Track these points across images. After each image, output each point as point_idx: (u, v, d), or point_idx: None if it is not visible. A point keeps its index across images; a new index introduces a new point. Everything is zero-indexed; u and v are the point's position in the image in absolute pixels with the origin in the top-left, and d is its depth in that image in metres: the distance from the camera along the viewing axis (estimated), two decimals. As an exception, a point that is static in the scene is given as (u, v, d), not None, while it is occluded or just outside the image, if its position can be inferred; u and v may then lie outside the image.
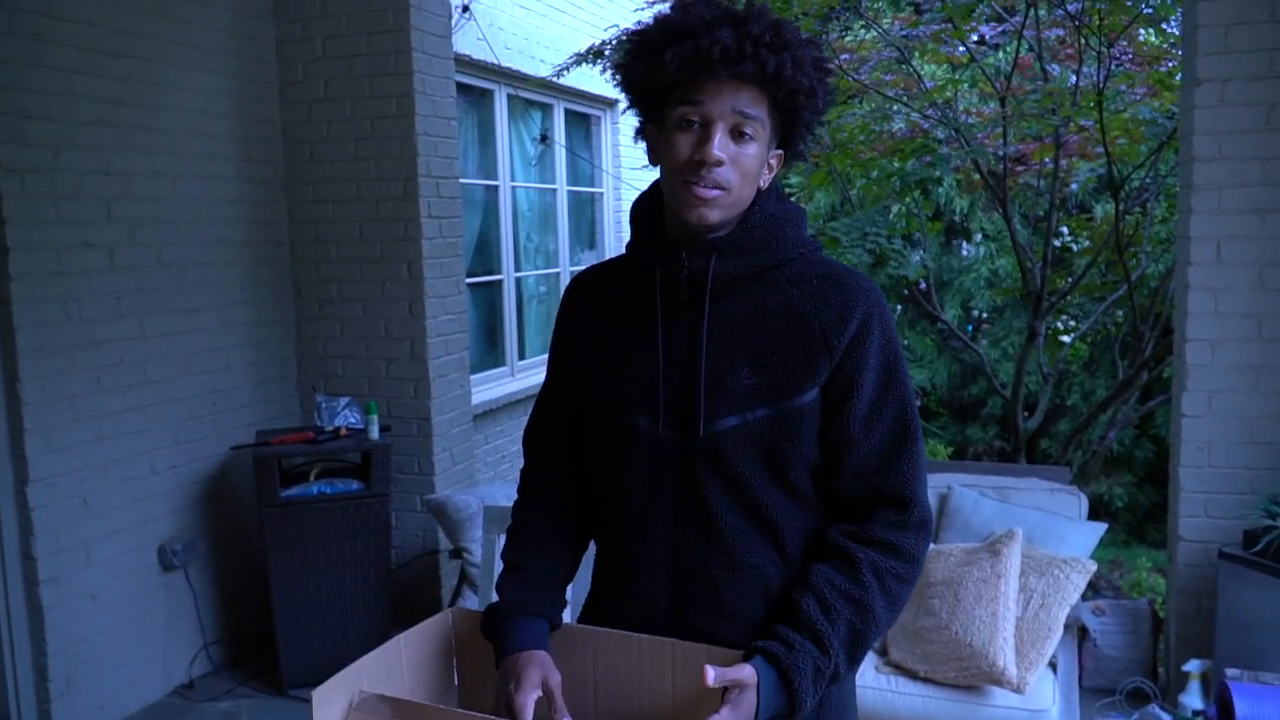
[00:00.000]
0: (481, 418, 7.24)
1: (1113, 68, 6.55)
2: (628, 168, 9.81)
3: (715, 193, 1.92)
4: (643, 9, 7.74)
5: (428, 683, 2.15)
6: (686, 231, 1.99)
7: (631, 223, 2.13)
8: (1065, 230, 9.34)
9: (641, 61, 1.98)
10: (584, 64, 7.79)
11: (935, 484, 4.94)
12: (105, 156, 4.89)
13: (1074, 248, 9.47)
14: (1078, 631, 4.44)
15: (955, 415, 11.43)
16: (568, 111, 9.05)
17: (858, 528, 1.98)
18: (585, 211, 9.73)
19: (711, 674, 1.78)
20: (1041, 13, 6.68)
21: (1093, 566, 4.30)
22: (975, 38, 7.73)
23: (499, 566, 2.21)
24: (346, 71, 5.81)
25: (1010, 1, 7.04)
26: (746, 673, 1.82)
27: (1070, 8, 6.38)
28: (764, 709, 1.82)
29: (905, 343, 10.76)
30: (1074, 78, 6.67)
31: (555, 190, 8.91)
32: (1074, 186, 8.32)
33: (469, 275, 6.89)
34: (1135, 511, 10.16)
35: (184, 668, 5.41)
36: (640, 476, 2.05)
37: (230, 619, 5.71)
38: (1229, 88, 4.52)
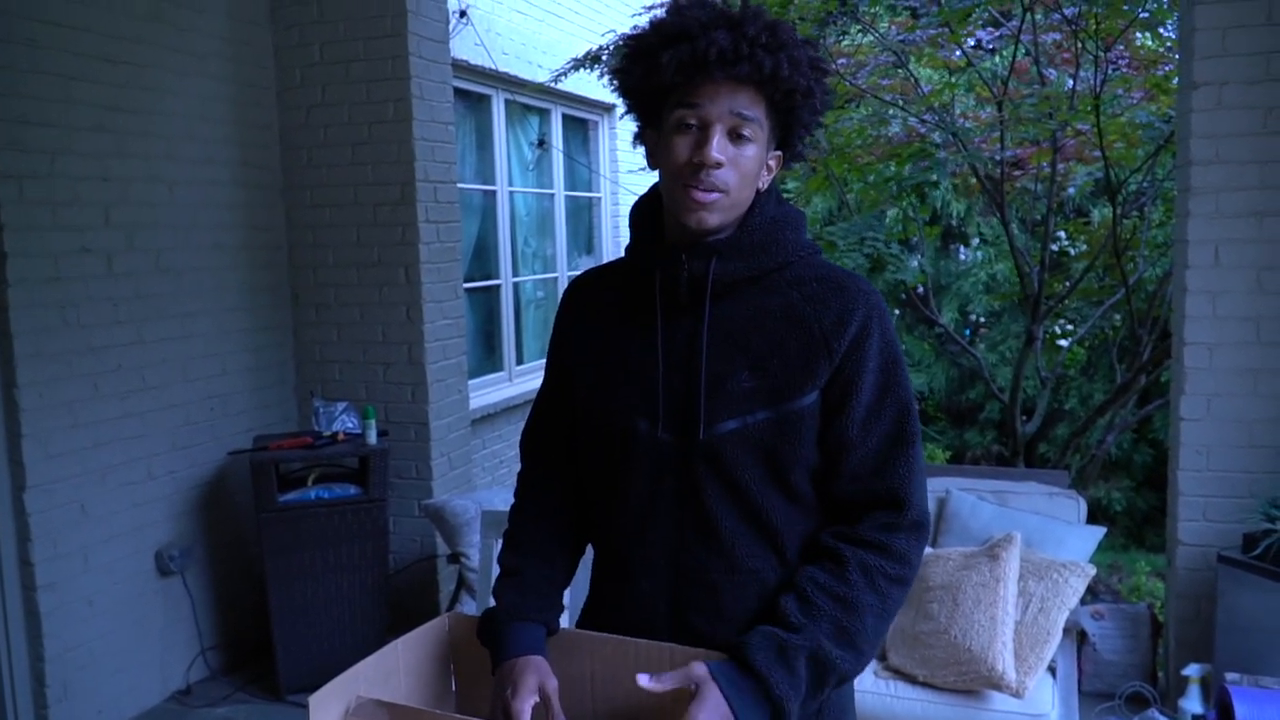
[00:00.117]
0: (479, 422, 7.24)
1: (1109, 72, 6.56)
2: (625, 172, 9.81)
3: (714, 195, 1.92)
4: (640, 14, 7.74)
5: (425, 688, 2.14)
6: (686, 234, 1.99)
7: (631, 226, 2.13)
8: (1063, 234, 9.35)
9: (638, 66, 1.98)
10: (581, 69, 7.79)
11: (934, 488, 4.94)
12: (103, 162, 4.88)
13: (1071, 252, 9.48)
14: (1077, 636, 4.43)
15: (953, 420, 11.42)
16: (565, 116, 9.05)
17: (849, 529, 1.98)
18: (583, 216, 9.73)
19: (645, 680, 1.78)
20: (1038, 17, 6.68)
21: (1092, 570, 4.30)
22: (972, 42, 7.73)
23: (497, 571, 2.20)
24: (344, 77, 5.81)
25: (1007, 6, 7.04)
26: (694, 669, 1.82)
27: (1067, 12, 6.39)
28: (736, 699, 1.80)
29: (903, 347, 10.76)
30: (1071, 82, 6.67)
31: (553, 195, 8.91)
32: (1071, 190, 8.33)
33: (467, 280, 6.89)
34: (1134, 516, 10.16)
35: (181, 673, 5.40)
36: (640, 480, 2.05)
37: (228, 624, 5.70)
38: (1226, 91, 4.52)
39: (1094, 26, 6.23)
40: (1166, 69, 6.86)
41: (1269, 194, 4.52)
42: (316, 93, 5.89)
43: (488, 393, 7.76)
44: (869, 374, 1.97)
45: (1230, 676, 4.07)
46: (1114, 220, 6.72)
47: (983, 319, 11.31)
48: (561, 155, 8.94)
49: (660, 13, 2.02)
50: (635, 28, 2.03)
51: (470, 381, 6.69)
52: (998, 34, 7.76)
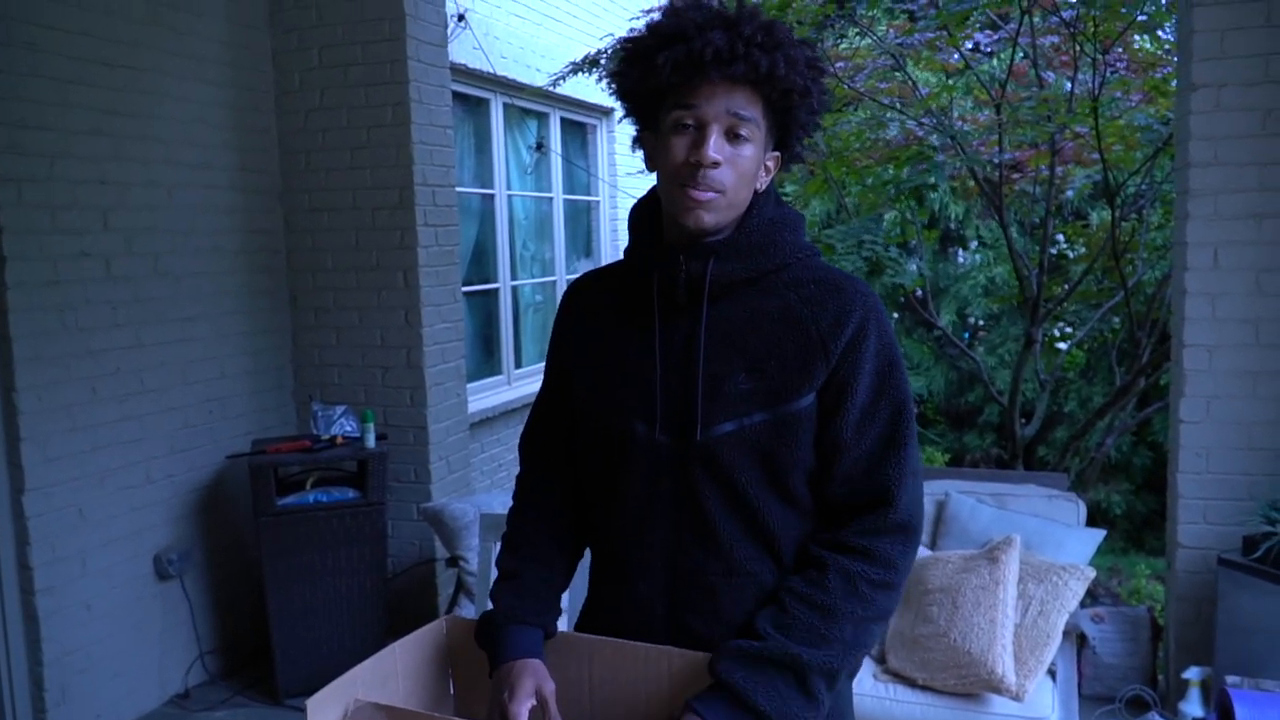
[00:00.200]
0: (478, 426, 7.23)
1: (1108, 74, 6.56)
2: (624, 176, 9.81)
3: (711, 195, 1.92)
4: (637, 17, 7.74)
5: (423, 691, 2.14)
6: (684, 236, 1.99)
7: (629, 228, 2.13)
8: (1061, 237, 9.35)
9: (635, 68, 1.98)
10: (580, 73, 7.79)
11: (933, 490, 4.94)
12: (101, 166, 4.88)
13: (1070, 255, 9.49)
14: (1077, 639, 4.42)
15: (952, 423, 11.43)
16: (564, 120, 9.05)
17: (834, 534, 1.97)
18: (581, 220, 9.72)
19: None
20: (1036, 20, 6.69)
21: (1091, 573, 4.29)
22: (970, 45, 7.73)
23: (495, 575, 2.20)
24: (342, 80, 5.81)
25: (1005, 9, 7.05)
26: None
27: (1065, 15, 6.39)
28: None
29: (903, 350, 10.75)
30: (1069, 85, 6.67)
31: (551, 199, 8.91)
32: (1070, 193, 8.33)
33: (465, 284, 6.89)
34: (1133, 519, 10.16)
35: (180, 677, 5.39)
36: (637, 482, 2.05)
37: (226, 628, 5.69)
38: (1225, 93, 4.52)
39: (1092, 29, 6.23)
40: (1165, 71, 6.86)
41: (1268, 196, 4.52)
42: (315, 97, 5.88)
43: (486, 396, 7.76)
44: (864, 376, 1.97)
45: (1231, 679, 4.06)
46: (1113, 223, 6.72)
47: (981, 322, 11.32)
48: (560, 159, 8.94)
49: (657, 16, 2.02)
50: (632, 30, 2.03)
51: (469, 385, 6.69)
52: (996, 37, 7.76)
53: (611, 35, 7.75)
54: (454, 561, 5.29)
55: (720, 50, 1.87)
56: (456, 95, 6.89)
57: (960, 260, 11.57)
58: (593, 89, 8.38)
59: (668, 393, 2.02)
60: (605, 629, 2.11)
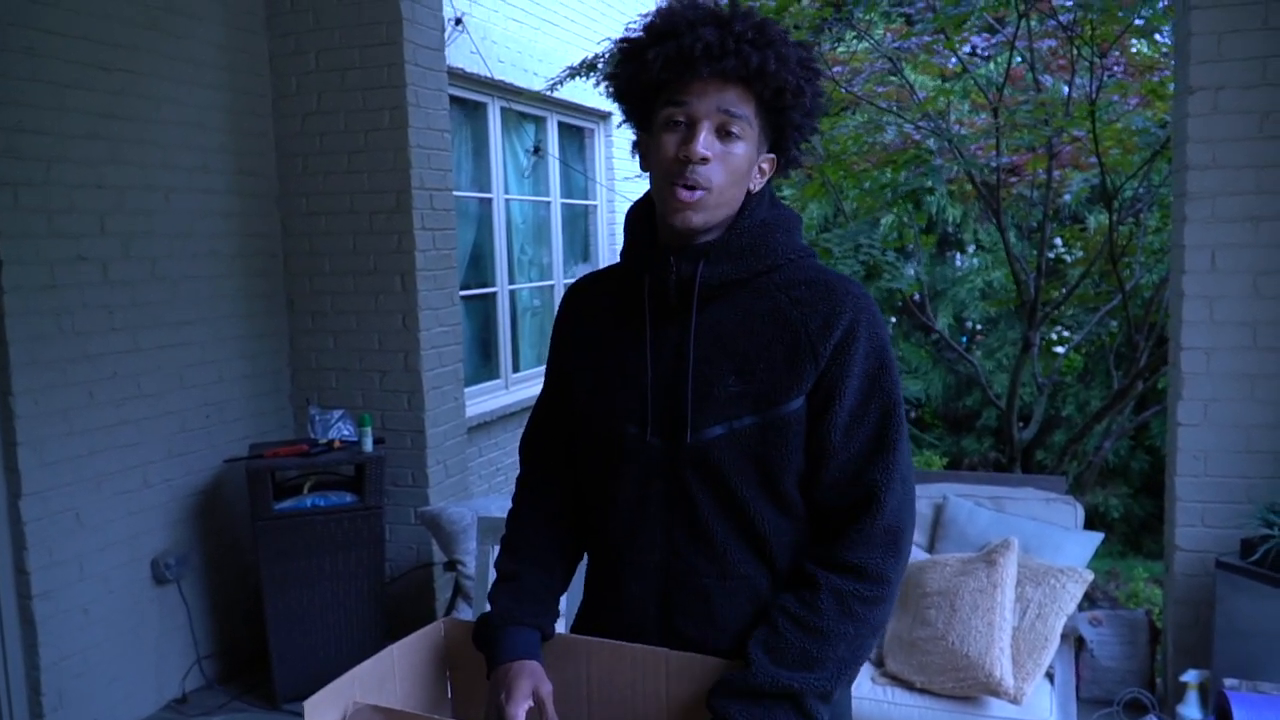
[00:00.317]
0: (476, 430, 7.23)
1: (1105, 78, 6.56)
2: (621, 180, 9.81)
3: (699, 194, 1.92)
4: (635, 21, 7.75)
5: (420, 693, 2.14)
6: (676, 237, 1.99)
7: (625, 230, 2.13)
8: (1059, 241, 9.35)
9: (628, 66, 1.99)
10: (577, 77, 7.79)
11: (931, 493, 4.94)
12: (98, 170, 4.88)
13: (1067, 258, 9.49)
14: (1075, 642, 4.43)
15: (950, 427, 11.42)
16: (561, 124, 9.04)
17: (825, 549, 1.97)
18: (579, 224, 9.72)
19: None
20: (1033, 23, 6.69)
21: (1089, 576, 4.29)
22: (967, 49, 7.74)
23: (493, 577, 2.20)
24: (340, 84, 5.81)
25: (1002, 13, 7.05)
26: None
27: (1062, 19, 6.39)
28: None
29: (899, 354, 10.76)
30: (1066, 88, 6.67)
31: (549, 203, 8.90)
32: (1067, 197, 8.33)
33: (463, 288, 6.89)
34: (1131, 522, 10.16)
35: (177, 682, 5.39)
36: (630, 484, 2.05)
37: (223, 633, 5.69)
38: (1222, 95, 4.52)
39: (1089, 33, 6.24)
40: (1162, 75, 6.86)
41: (1265, 199, 4.51)
42: (312, 100, 5.88)
43: (484, 400, 7.75)
44: (853, 379, 1.96)
45: (1229, 682, 4.05)
46: (1110, 226, 6.72)
47: (979, 326, 11.32)
48: (558, 163, 8.94)
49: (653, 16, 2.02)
50: (628, 30, 2.03)
51: (467, 389, 6.68)
52: (993, 40, 7.76)
53: (609, 39, 7.74)
54: (452, 565, 5.29)
55: (711, 45, 1.87)
56: (454, 99, 6.89)
57: (958, 264, 11.56)
58: (590, 93, 8.38)
59: (659, 395, 2.02)
60: (600, 631, 2.11)
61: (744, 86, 1.92)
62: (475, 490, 7.17)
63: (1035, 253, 7.27)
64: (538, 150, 8.66)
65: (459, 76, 7.09)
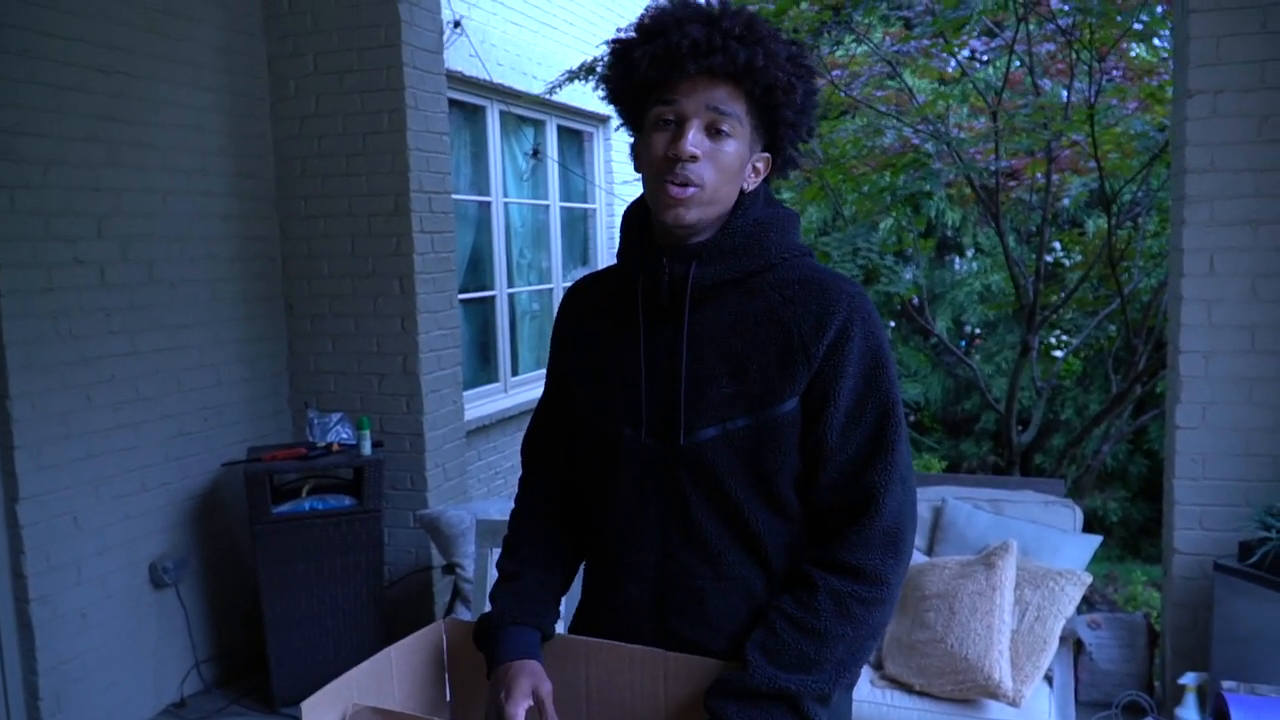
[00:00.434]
0: (475, 433, 7.22)
1: (1104, 82, 6.56)
2: (620, 183, 9.81)
3: (690, 190, 1.91)
4: (629, 23, 7.75)
5: (419, 694, 2.13)
6: (669, 237, 1.99)
7: (621, 231, 2.13)
8: (1057, 245, 9.35)
9: (618, 67, 1.99)
10: (576, 80, 7.79)
11: (930, 496, 4.94)
12: (96, 173, 4.87)
13: (1066, 262, 9.49)
14: (1073, 645, 4.42)
15: (949, 430, 11.43)
16: (560, 128, 9.04)
17: (824, 550, 1.96)
18: (578, 228, 9.72)
19: None
20: (1032, 27, 6.69)
21: (1088, 578, 4.29)
22: (966, 53, 7.73)
23: (492, 580, 2.20)
24: (338, 87, 5.81)
25: (1001, 17, 7.05)
26: None
27: (1061, 23, 6.39)
28: None
29: (898, 358, 10.76)
30: (1065, 92, 6.67)
31: (548, 206, 8.90)
32: (1066, 201, 8.32)
33: (462, 291, 6.88)
34: (1129, 526, 10.16)
35: (175, 686, 5.38)
36: (626, 485, 2.05)
37: (222, 637, 5.68)
38: (1221, 99, 4.52)
39: (1088, 37, 6.24)
40: (1161, 79, 6.86)
41: (1264, 202, 4.51)
42: (311, 103, 5.88)
43: (483, 404, 7.75)
44: (848, 379, 1.94)
45: (1227, 685, 4.06)
46: (1109, 230, 6.72)
47: (978, 330, 11.32)
48: (557, 166, 8.94)
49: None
50: (619, 30, 2.03)
51: (465, 393, 6.68)
52: (992, 44, 7.76)
53: (607, 43, 7.73)
54: (450, 569, 5.28)
55: (698, 42, 1.87)
56: (453, 103, 6.89)
57: (957, 267, 11.57)
58: (589, 96, 8.37)
59: (652, 396, 2.01)
60: (597, 631, 2.11)
61: (733, 84, 1.92)
62: (474, 493, 7.17)
63: (1034, 257, 7.27)
64: (536, 153, 8.66)
65: (458, 80, 7.09)
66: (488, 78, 7.43)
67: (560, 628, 2.18)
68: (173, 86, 5.30)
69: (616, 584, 2.10)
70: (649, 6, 2.03)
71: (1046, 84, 7.38)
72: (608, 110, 2.03)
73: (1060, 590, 4.22)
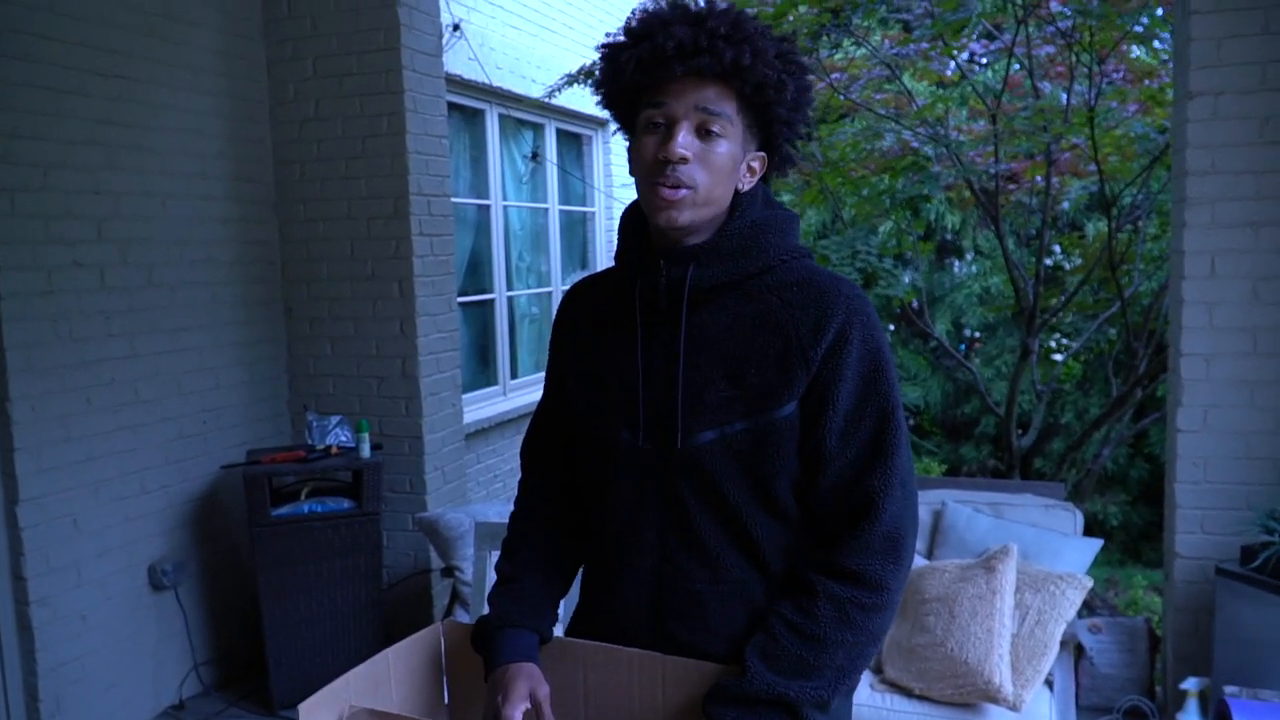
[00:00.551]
0: (474, 437, 7.22)
1: (1104, 84, 6.55)
2: (619, 186, 9.81)
3: (682, 192, 1.90)
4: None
5: (417, 696, 2.13)
6: (665, 240, 1.97)
7: (619, 233, 2.12)
8: (1057, 248, 9.35)
9: (607, 71, 1.98)
10: (575, 84, 7.79)
11: (930, 499, 4.93)
12: (95, 176, 4.87)
13: (1066, 266, 9.49)
14: (1074, 649, 4.41)
15: (948, 434, 11.42)
16: (559, 131, 9.05)
17: (824, 555, 1.94)
18: (577, 231, 9.72)
19: None
20: (1032, 30, 6.68)
21: (1089, 582, 4.28)
22: (966, 56, 7.73)
23: (491, 583, 2.19)
24: (337, 91, 5.80)
25: (1000, 19, 7.05)
26: None
27: (1061, 25, 6.38)
28: None
29: (898, 361, 10.75)
30: (1065, 95, 6.66)
31: (547, 209, 8.90)
32: (1066, 204, 8.32)
33: (461, 294, 6.88)
34: (1130, 530, 10.15)
35: (174, 688, 5.37)
36: (624, 489, 2.04)
37: (221, 639, 5.67)
38: (1222, 101, 4.52)
39: (1088, 39, 6.23)
40: (1161, 81, 6.85)
41: (1265, 204, 4.51)
42: (310, 107, 5.88)
43: (482, 407, 7.74)
44: (847, 382, 1.93)
45: (1229, 690, 4.04)
46: (1109, 234, 6.71)
47: (977, 333, 11.31)
48: (556, 169, 8.93)
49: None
50: (608, 35, 2.02)
51: (465, 396, 6.68)
52: (992, 47, 7.76)
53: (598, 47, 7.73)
54: (449, 572, 5.28)
55: (684, 44, 1.86)
56: (453, 106, 6.89)
57: (956, 270, 11.56)
58: (588, 100, 8.30)
59: (650, 400, 2.00)
60: (594, 634, 2.11)
61: (722, 84, 1.90)
62: (473, 496, 7.16)
63: (1034, 260, 7.27)
64: (535, 157, 8.65)
65: (457, 83, 7.09)
66: (487, 81, 7.43)
67: (559, 630, 2.17)
68: (172, 90, 5.30)
69: (614, 587, 2.09)
70: (636, 9, 2.02)
71: (1046, 86, 7.38)
72: (606, 114, 2.01)
73: (1061, 594, 4.21)
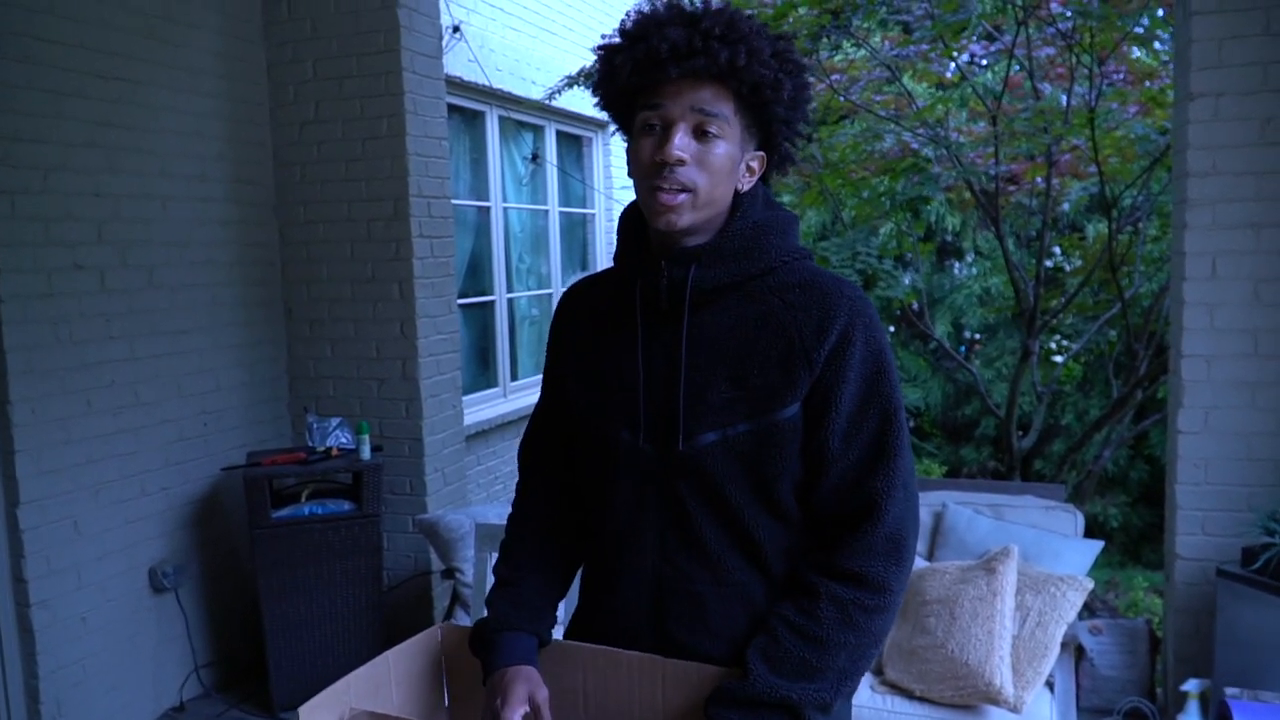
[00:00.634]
0: (474, 438, 7.22)
1: (1104, 86, 6.55)
2: (619, 188, 9.81)
3: (681, 197, 1.90)
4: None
5: (417, 699, 2.12)
6: (665, 241, 1.97)
7: (618, 233, 2.12)
8: (1057, 250, 9.34)
9: (603, 73, 1.98)
10: (575, 86, 7.79)
11: (930, 501, 4.93)
12: (95, 178, 4.87)
13: (1066, 267, 9.48)
14: (1075, 651, 4.41)
15: (949, 435, 11.41)
16: (559, 133, 9.05)
17: (826, 556, 1.94)
18: (577, 233, 9.72)
19: None
20: (1032, 31, 6.68)
21: (1089, 584, 4.27)
22: (966, 57, 7.73)
23: (492, 583, 2.19)
24: (337, 93, 5.80)
25: (1000, 21, 7.05)
26: None
27: (1061, 26, 6.38)
28: None
29: (899, 362, 10.75)
30: (1065, 96, 6.66)
31: (547, 211, 8.90)
32: (1066, 206, 8.32)
33: (461, 296, 6.88)
34: (1130, 532, 10.14)
35: (175, 690, 5.37)
36: (624, 489, 2.03)
37: (221, 641, 5.67)
38: (1223, 102, 4.51)
39: (1088, 40, 6.23)
40: (1162, 82, 6.86)
41: (1266, 205, 4.51)
42: (310, 109, 5.88)
43: (482, 409, 7.74)
44: (850, 384, 1.92)
45: (1230, 691, 4.04)
46: (1109, 235, 6.71)
47: (978, 335, 11.31)
48: (556, 171, 8.93)
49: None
50: (604, 36, 2.02)
51: (465, 397, 6.68)
52: (992, 48, 7.76)
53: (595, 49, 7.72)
54: (450, 574, 5.27)
55: (678, 45, 1.85)
56: (453, 108, 6.89)
57: (957, 272, 11.56)
58: (588, 101, 8.27)
59: (651, 402, 1.99)
60: (593, 635, 2.10)
61: (718, 84, 1.90)
62: (473, 498, 7.16)
63: (1034, 261, 7.26)
64: (535, 158, 8.65)
65: (457, 85, 7.09)
66: (487, 83, 7.43)
67: (557, 632, 2.17)
68: (172, 92, 5.30)
69: (614, 587, 2.08)
70: (631, 9, 2.01)
71: (1046, 88, 7.38)
72: (606, 115, 2.01)
73: (1062, 596, 4.21)
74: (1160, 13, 6.29)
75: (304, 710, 1.82)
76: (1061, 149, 6.83)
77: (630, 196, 2.13)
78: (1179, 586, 4.78)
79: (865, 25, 7.49)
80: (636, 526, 2.03)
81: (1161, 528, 5.11)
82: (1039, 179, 7.14)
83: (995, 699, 3.97)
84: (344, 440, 5.55)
